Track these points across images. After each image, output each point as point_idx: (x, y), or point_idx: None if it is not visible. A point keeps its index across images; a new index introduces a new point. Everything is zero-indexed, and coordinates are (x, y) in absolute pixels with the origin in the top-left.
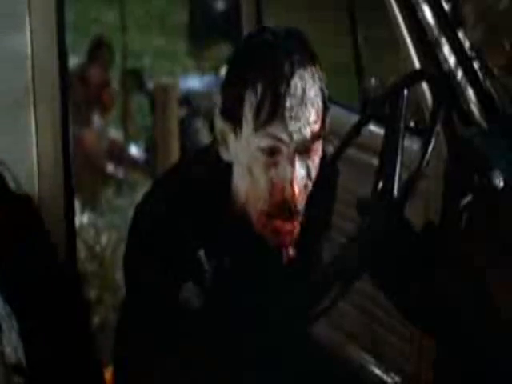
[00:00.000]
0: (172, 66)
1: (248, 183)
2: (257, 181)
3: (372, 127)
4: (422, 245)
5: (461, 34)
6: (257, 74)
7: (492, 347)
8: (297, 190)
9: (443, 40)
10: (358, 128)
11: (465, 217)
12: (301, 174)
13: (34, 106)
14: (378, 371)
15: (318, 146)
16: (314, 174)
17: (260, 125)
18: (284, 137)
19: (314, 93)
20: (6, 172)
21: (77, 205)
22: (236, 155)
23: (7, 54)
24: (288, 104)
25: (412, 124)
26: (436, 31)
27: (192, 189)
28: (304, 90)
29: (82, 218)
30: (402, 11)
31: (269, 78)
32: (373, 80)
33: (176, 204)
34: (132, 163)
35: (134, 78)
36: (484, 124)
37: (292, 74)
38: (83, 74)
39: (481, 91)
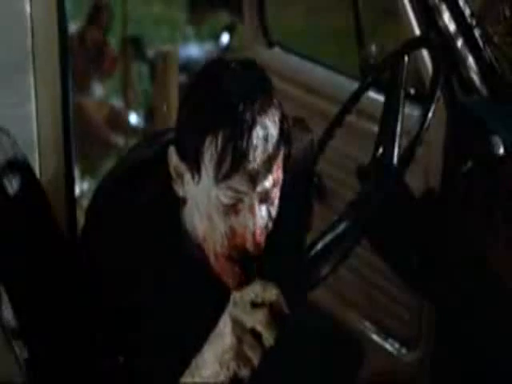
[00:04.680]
0: (172, 33)
1: (206, 226)
2: (216, 226)
3: (372, 94)
4: (422, 211)
5: (461, 1)
6: (216, 123)
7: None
8: (258, 239)
9: (443, 7)
10: (358, 94)
11: (464, 184)
12: (262, 220)
13: (34, 72)
14: (377, 338)
15: (278, 189)
16: (274, 213)
17: (221, 178)
18: (246, 189)
19: (275, 138)
20: (6, 138)
21: (76, 172)
22: (193, 197)
23: (7, 19)
24: (250, 156)
25: (412, 91)
26: None
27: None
28: (266, 138)
29: (81, 186)
30: None
31: (229, 131)
32: (373, 47)
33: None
34: (132, 131)
35: (134, 46)
36: (484, 91)
37: (254, 125)
38: (82, 37)
39: (481, 58)
